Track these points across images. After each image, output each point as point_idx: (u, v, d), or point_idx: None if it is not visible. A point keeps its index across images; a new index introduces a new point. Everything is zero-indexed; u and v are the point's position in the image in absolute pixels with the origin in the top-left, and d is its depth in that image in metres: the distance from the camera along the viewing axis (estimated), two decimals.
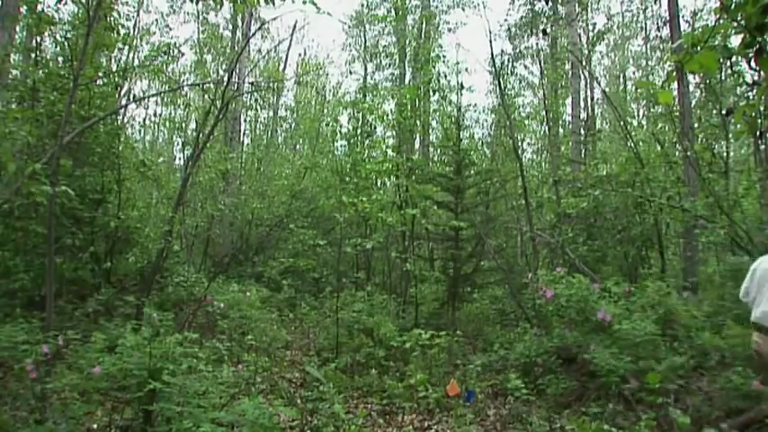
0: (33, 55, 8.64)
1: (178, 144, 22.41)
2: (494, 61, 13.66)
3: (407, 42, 18.48)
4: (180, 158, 20.80)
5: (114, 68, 10.79)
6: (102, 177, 8.61)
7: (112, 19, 8.82)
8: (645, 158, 9.46)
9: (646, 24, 22.40)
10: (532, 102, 21.69)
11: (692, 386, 5.25)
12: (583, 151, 14.80)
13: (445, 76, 15.30)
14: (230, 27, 19.41)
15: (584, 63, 16.26)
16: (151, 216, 11.83)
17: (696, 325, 5.84)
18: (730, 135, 9.86)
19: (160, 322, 5.90)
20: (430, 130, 17.83)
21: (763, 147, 9.00)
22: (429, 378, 6.24)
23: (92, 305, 7.49)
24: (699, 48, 2.50)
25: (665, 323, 6.04)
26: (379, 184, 13.91)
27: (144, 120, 22.92)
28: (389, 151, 11.49)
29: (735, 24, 2.49)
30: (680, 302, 6.20)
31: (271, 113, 21.81)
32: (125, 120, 12.90)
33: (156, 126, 24.65)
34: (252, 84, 16.94)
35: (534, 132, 20.31)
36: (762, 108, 7.71)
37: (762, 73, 3.07)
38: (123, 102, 12.38)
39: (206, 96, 13.46)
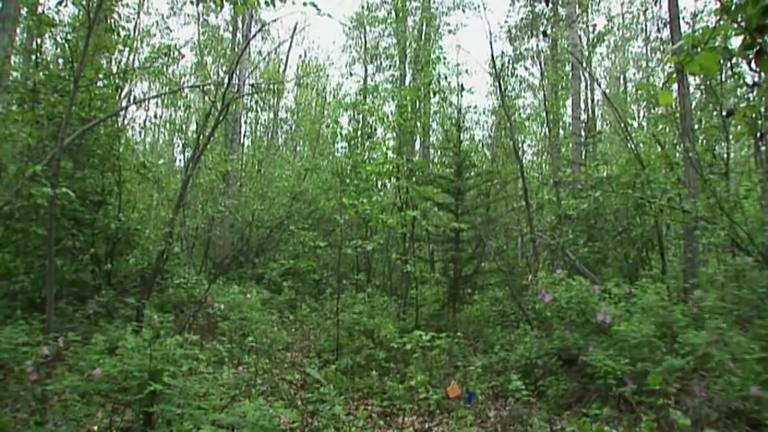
0: (34, 57, 8.66)
1: (178, 146, 22.50)
2: (494, 63, 13.68)
3: (408, 44, 18.50)
4: (180, 160, 20.88)
5: (115, 70, 10.82)
6: (102, 179, 8.61)
7: (113, 21, 8.86)
8: (645, 160, 9.44)
9: (646, 26, 22.45)
10: (533, 103, 21.75)
11: (692, 388, 5.24)
12: (583, 152, 14.79)
13: (445, 78, 15.32)
14: (230, 29, 19.44)
15: (584, 64, 16.26)
16: (151, 218, 11.83)
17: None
18: (731, 136, 9.85)
19: (160, 324, 5.89)
20: (430, 132, 17.85)
21: (763, 148, 8.99)
22: (429, 379, 6.23)
23: (92, 307, 7.49)
24: (699, 49, 2.50)
25: (665, 324, 6.02)
26: (379, 185, 13.91)
27: (144, 121, 22.99)
28: (390, 153, 11.48)
29: (735, 26, 2.49)
30: (677, 310, 6.17)
31: (271, 115, 21.84)
32: (125, 121, 12.91)
33: (156, 128, 24.72)
34: (252, 85, 16.96)
35: (535, 134, 20.35)
36: (762, 109, 7.70)
37: (762, 74, 3.07)
38: (124, 103, 12.42)
39: (206, 98, 13.48)
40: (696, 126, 9.90)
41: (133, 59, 13.91)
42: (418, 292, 10.17)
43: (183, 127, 20.16)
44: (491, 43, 12.16)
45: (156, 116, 23.62)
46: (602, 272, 9.96)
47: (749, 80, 7.82)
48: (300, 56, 26.27)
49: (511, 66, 21.14)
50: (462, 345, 8.09)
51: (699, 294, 7.06)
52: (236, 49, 17.67)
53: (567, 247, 10.01)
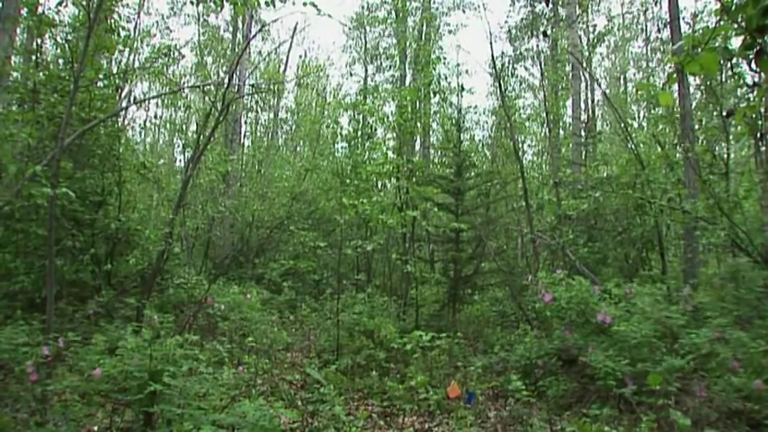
0: (34, 57, 8.66)
1: (178, 146, 22.51)
2: (494, 63, 13.67)
3: (408, 44, 18.50)
4: (180, 160, 20.89)
5: (115, 70, 10.82)
6: (102, 179, 8.61)
7: (113, 21, 8.85)
8: (645, 160, 9.45)
9: (646, 26, 22.47)
10: (533, 103, 21.75)
11: (692, 388, 5.24)
12: (583, 153, 14.79)
13: (446, 78, 15.36)
14: (231, 29, 19.45)
15: (584, 65, 16.27)
16: (152, 218, 11.82)
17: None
18: (731, 136, 9.85)
19: (160, 324, 5.89)
20: (430, 132, 17.85)
21: (763, 148, 8.99)
22: (430, 380, 6.23)
23: (92, 307, 7.49)
24: (699, 49, 2.51)
25: (661, 324, 6.02)
26: (379, 185, 13.91)
27: (144, 122, 23.00)
28: (390, 153, 11.49)
29: (735, 26, 2.49)
30: (673, 309, 6.16)
31: (271, 115, 21.84)
32: (125, 122, 12.91)
33: (156, 128, 24.73)
34: (252, 86, 16.95)
35: (535, 134, 20.34)
36: (762, 110, 7.71)
37: (762, 74, 3.07)
38: (124, 104, 12.42)
39: (206, 98, 13.48)
40: (696, 126, 9.90)
41: (133, 60, 13.92)
42: (418, 292, 10.16)
43: (183, 127, 20.17)
44: (491, 43, 12.16)
45: (156, 116, 23.65)
46: (602, 272, 9.96)
47: (749, 80, 7.82)
48: (300, 56, 26.24)
49: (511, 66, 21.14)
50: (462, 345, 8.09)
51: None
52: (237, 50, 17.67)
53: (567, 247, 10.01)
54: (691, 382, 5.46)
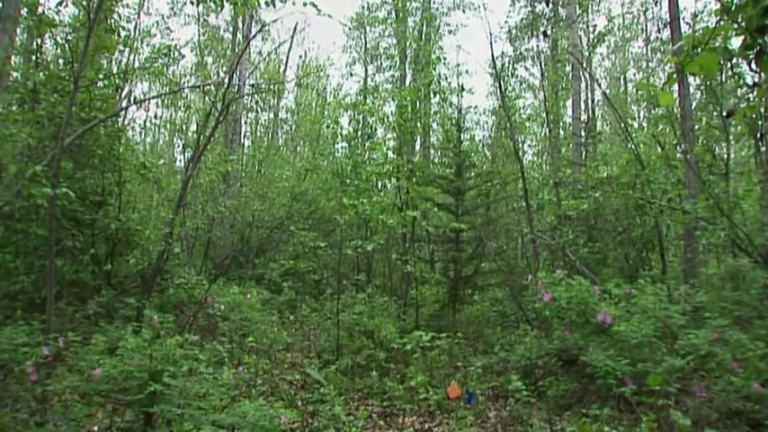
0: (34, 57, 8.65)
1: (179, 146, 22.51)
2: (494, 63, 13.66)
3: (408, 44, 18.50)
4: (180, 160, 20.89)
5: (115, 70, 10.82)
6: (102, 179, 8.61)
7: (113, 21, 8.86)
8: (645, 160, 9.45)
9: (646, 26, 22.48)
10: (533, 104, 21.74)
11: (692, 388, 5.24)
12: (583, 153, 14.79)
13: (446, 78, 15.37)
14: (231, 29, 19.45)
15: (584, 65, 16.26)
16: (152, 218, 11.83)
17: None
18: (731, 137, 9.86)
19: (161, 324, 5.89)
20: (430, 132, 17.85)
21: (763, 148, 8.99)
22: (430, 380, 6.23)
23: (92, 307, 7.49)
24: (699, 50, 2.51)
25: (662, 323, 6.02)
26: (379, 186, 13.91)
27: (144, 122, 23.00)
28: (390, 153, 11.49)
29: (735, 26, 2.49)
30: (673, 309, 6.15)
31: (271, 115, 21.85)
32: (126, 122, 12.89)
33: (156, 128, 24.72)
34: (252, 86, 16.94)
35: (535, 134, 20.35)
36: (762, 110, 7.70)
37: (762, 74, 3.07)
38: (124, 104, 12.41)
39: (206, 98, 13.48)
40: (696, 126, 9.90)
41: (133, 60, 13.92)
42: (418, 292, 10.17)
43: (184, 127, 20.16)
44: (491, 44, 12.12)
45: (156, 116, 23.61)
46: (603, 272, 9.96)
47: (749, 80, 7.83)
48: (300, 56, 26.28)
49: (511, 66, 21.12)
50: (462, 345, 8.09)
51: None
52: (237, 50, 17.68)
53: (567, 247, 10.01)
54: (691, 383, 5.46)
